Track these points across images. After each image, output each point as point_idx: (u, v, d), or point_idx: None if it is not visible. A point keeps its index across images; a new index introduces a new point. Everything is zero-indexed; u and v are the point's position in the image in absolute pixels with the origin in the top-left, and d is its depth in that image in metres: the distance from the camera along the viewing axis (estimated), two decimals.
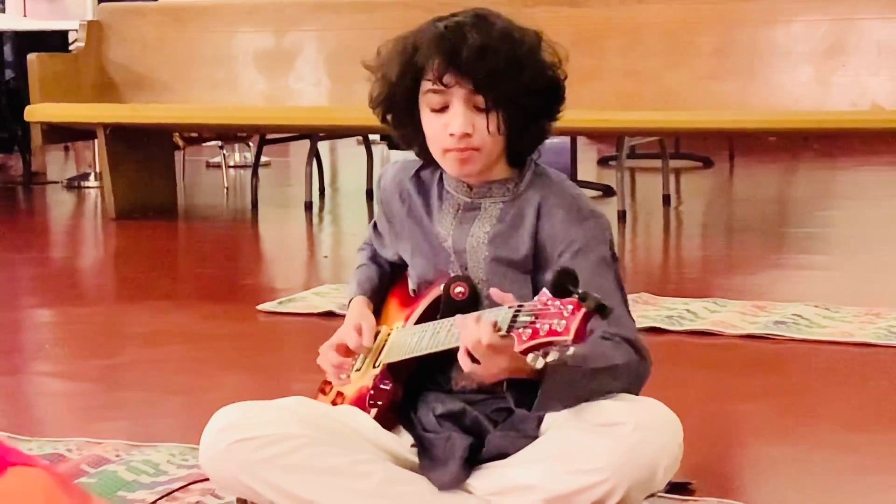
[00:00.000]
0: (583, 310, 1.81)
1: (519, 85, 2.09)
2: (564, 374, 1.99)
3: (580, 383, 2.04)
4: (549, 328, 1.83)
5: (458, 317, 2.04)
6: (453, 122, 2.11)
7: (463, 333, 1.98)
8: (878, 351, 3.49)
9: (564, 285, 1.84)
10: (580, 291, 1.83)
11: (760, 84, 5.63)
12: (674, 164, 7.17)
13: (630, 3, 5.81)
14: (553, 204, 2.17)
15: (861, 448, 2.73)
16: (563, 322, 1.82)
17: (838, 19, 5.52)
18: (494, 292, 2.00)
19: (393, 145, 7.13)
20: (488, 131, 2.11)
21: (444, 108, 2.13)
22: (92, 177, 7.54)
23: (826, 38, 5.53)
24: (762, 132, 6.72)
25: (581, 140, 7.52)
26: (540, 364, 1.86)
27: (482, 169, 2.17)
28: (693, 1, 5.73)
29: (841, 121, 5.37)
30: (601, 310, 1.81)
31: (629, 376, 2.10)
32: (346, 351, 2.29)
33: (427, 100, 2.14)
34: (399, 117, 2.20)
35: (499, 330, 1.92)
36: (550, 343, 1.84)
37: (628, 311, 2.17)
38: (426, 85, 2.13)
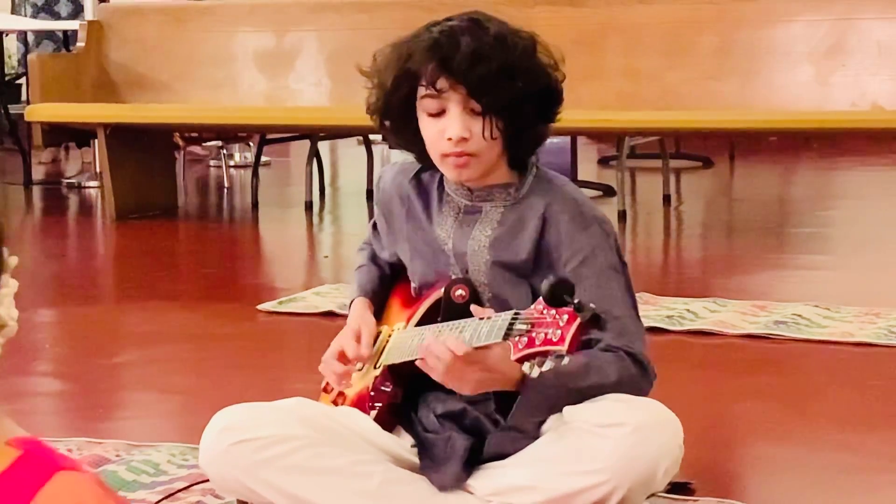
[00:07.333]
0: (578, 320, 1.82)
1: (514, 89, 2.09)
2: (544, 395, 2.02)
3: (560, 402, 2.06)
4: (545, 337, 1.84)
5: (437, 327, 2.07)
6: (450, 127, 2.11)
7: (429, 344, 2.01)
8: (878, 351, 3.49)
9: (559, 295, 1.84)
10: (575, 301, 1.83)
11: (760, 84, 5.62)
12: (674, 164, 7.16)
13: (630, 3, 5.80)
14: (558, 210, 2.17)
15: (861, 448, 2.73)
16: (559, 332, 1.83)
17: (838, 19, 5.51)
18: (474, 309, 2.04)
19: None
20: (484, 136, 2.11)
21: (440, 113, 2.12)
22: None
23: (826, 38, 5.52)
24: (762, 132, 6.71)
25: (581, 140, 7.49)
26: (535, 373, 1.87)
27: (481, 174, 2.17)
28: (693, 1, 5.73)
29: (841, 121, 5.36)
30: (595, 320, 1.82)
31: (626, 390, 2.10)
32: (347, 358, 2.28)
33: (423, 105, 2.14)
34: (397, 124, 2.20)
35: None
36: (546, 352, 1.84)
37: (638, 318, 2.17)
38: (421, 90, 2.12)
